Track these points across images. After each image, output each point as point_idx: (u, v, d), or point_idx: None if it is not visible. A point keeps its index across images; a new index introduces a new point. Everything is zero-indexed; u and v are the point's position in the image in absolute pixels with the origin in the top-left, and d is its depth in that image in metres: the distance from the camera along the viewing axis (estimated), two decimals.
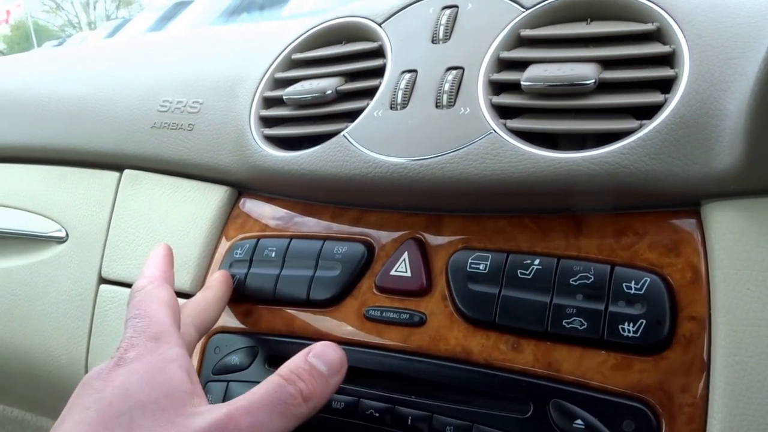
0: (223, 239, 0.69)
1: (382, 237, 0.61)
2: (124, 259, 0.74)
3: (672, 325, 0.48)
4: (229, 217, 0.70)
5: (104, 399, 0.43)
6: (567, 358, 0.50)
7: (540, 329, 0.51)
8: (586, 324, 0.50)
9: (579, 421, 0.48)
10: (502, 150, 0.53)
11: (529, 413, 0.50)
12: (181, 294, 0.68)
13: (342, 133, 0.61)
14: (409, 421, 0.53)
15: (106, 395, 0.44)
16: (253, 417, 0.44)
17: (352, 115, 0.62)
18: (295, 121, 0.67)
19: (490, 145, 0.54)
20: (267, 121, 0.68)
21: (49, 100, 0.85)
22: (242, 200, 0.71)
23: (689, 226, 0.51)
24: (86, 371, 0.75)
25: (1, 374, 0.85)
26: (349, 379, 0.57)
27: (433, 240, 0.59)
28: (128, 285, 0.73)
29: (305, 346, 0.60)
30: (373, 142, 0.59)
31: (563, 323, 0.50)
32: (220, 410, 0.43)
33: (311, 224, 0.65)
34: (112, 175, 0.79)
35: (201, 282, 0.69)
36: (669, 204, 0.51)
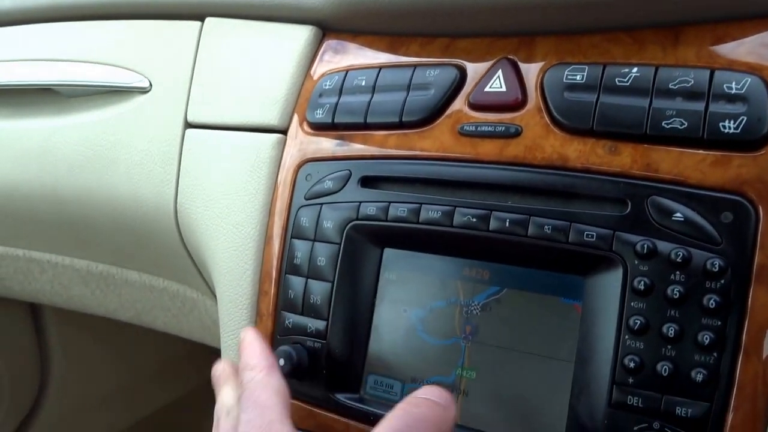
0: (310, 76, 0.71)
1: (474, 61, 0.62)
2: (211, 103, 0.76)
3: None
4: (315, 55, 0.71)
5: None
6: (665, 158, 0.52)
7: (638, 132, 0.52)
8: (686, 123, 0.51)
9: (678, 215, 0.50)
10: None
11: (627, 211, 0.52)
12: (270, 129, 0.71)
13: None
14: (507, 224, 0.55)
15: None
16: None
17: None
18: None
19: None
20: None
21: None
22: (327, 40, 0.72)
23: None
24: (175, 213, 0.79)
25: (87, 226, 0.89)
26: (445, 192, 0.59)
27: (526, 59, 0.59)
28: (215, 127, 0.75)
29: (400, 165, 0.62)
30: None
31: (663, 124, 0.52)
32: None
33: (400, 55, 0.66)
34: (193, 24, 0.80)
35: (288, 118, 0.70)
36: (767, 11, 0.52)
